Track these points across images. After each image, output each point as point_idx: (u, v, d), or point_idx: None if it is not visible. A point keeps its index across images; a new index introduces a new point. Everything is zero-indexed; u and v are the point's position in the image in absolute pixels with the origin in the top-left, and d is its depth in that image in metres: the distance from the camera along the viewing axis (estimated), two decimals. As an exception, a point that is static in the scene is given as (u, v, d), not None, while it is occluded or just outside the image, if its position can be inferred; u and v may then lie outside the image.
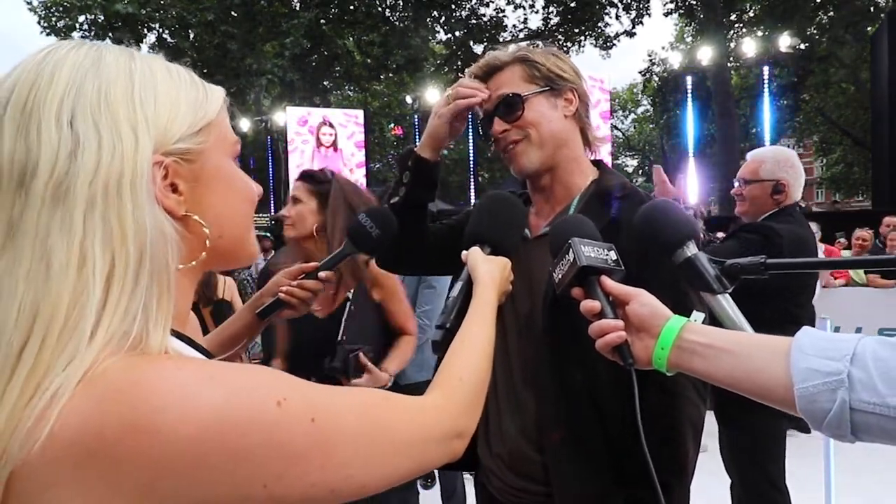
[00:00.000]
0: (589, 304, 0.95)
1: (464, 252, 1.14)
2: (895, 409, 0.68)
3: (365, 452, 0.65)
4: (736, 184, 2.78)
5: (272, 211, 16.18)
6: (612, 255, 0.99)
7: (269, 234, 10.38)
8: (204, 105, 0.68)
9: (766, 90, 14.43)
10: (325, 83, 21.83)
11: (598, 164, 1.40)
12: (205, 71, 19.33)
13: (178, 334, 0.67)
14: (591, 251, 0.96)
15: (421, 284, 3.34)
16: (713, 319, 1.00)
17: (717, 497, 2.94)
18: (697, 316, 0.91)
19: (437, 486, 3.47)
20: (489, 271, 1.07)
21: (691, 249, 0.97)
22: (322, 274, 1.24)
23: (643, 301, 0.92)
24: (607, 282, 0.96)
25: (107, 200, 0.58)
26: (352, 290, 2.17)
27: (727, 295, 0.96)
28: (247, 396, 0.57)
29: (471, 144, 16.33)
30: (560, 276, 0.99)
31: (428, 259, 1.49)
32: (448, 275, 1.28)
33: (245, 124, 17.93)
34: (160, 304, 0.60)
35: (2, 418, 0.52)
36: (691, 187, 13.60)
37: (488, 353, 0.92)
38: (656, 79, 24.42)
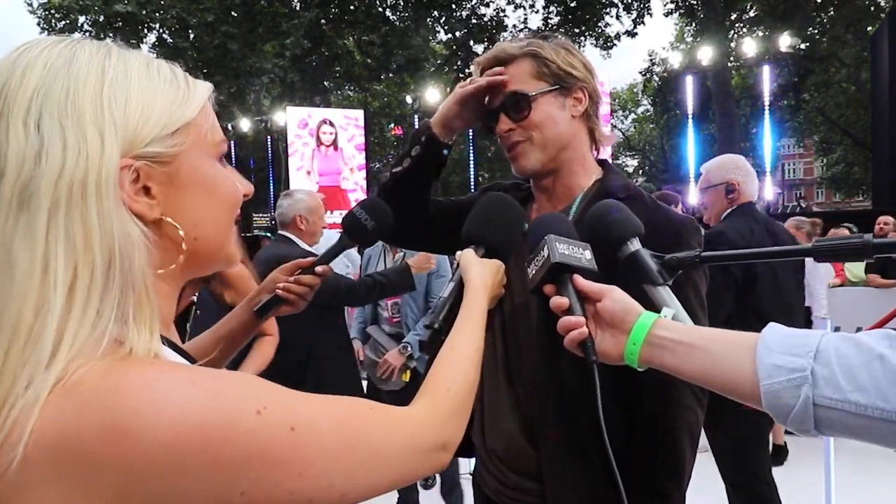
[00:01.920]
0: (558, 301, 0.96)
1: (458, 252, 1.13)
2: (856, 405, 0.70)
3: (346, 462, 0.64)
4: (700, 196, 3.02)
5: (272, 211, 16.19)
6: (587, 254, 1.00)
7: (269, 234, 10.41)
8: (182, 105, 0.66)
9: (766, 90, 14.42)
10: (325, 83, 21.82)
11: (603, 163, 1.38)
12: (205, 71, 19.33)
13: (162, 338, 0.66)
14: (566, 249, 0.98)
15: (432, 275, 3.34)
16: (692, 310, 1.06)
17: (717, 497, 2.94)
18: (668, 312, 0.92)
19: (438, 484, 3.47)
20: (481, 275, 1.05)
21: (635, 245, 1.02)
22: (319, 268, 1.23)
23: (615, 297, 0.93)
24: (579, 279, 0.96)
25: (70, 205, 0.56)
26: (196, 294, 2.09)
27: (667, 287, 1.00)
28: (226, 403, 0.57)
29: (471, 144, 16.33)
30: (534, 271, 1.00)
31: (427, 235, 1.47)
32: (445, 253, 1.27)
33: (245, 124, 17.92)
34: (139, 310, 0.59)
35: None
36: (691, 187, 13.59)
37: (477, 361, 0.91)
38: (656, 79, 24.40)
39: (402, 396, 3.45)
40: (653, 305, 0.97)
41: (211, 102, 0.71)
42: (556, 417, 1.22)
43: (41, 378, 0.53)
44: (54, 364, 0.54)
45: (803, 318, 3.06)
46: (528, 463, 1.27)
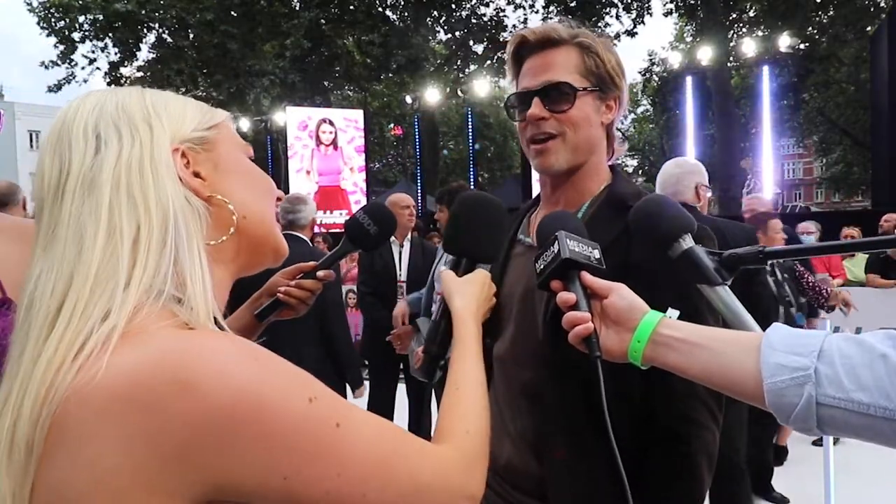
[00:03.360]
0: (565, 296, 0.95)
1: (439, 270, 1.10)
2: (859, 404, 0.71)
3: (381, 476, 0.65)
4: None
5: (272, 211, 16.13)
6: (596, 253, 1.00)
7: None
8: (209, 112, 0.78)
9: (766, 90, 14.42)
10: (325, 83, 21.81)
11: (611, 168, 1.32)
12: (205, 71, 19.34)
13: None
14: (576, 246, 0.97)
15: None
16: (701, 314, 1.01)
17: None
18: (673, 312, 0.92)
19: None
20: (465, 303, 1.01)
21: (688, 242, 0.98)
22: (321, 273, 1.23)
23: (622, 294, 0.93)
24: (586, 275, 0.96)
25: (129, 178, 0.66)
26: None
27: (726, 287, 0.96)
28: (283, 383, 0.61)
29: (471, 145, 16.33)
30: (542, 266, 1.00)
31: None
32: None
33: (245, 124, 17.90)
34: (193, 268, 0.66)
35: (41, 367, 0.57)
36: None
37: (483, 396, 0.90)
38: (656, 79, 24.38)
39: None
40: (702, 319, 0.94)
41: (230, 122, 0.81)
42: (565, 435, 1.17)
43: (113, 316, 0.59)
44: (125, 303, 0.60)
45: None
46: (529, 480, 1.23)
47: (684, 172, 2.97)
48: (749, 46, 14.65)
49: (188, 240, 0.67)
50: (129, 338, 0.58)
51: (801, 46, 17.90)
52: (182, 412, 0.55)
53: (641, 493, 0.88)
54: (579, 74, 1.20)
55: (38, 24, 19.28)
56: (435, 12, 20.75)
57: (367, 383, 4.30)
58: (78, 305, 0.60)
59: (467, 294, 1.04)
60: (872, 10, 17.78)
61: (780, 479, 4.04)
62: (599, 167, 1.29)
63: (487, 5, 21.18)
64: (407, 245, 4.38)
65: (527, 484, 1.24)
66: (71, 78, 19.75)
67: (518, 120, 1.25)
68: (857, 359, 0.73)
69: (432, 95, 16.08)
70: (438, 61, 22.64)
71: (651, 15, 20.24)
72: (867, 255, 6.32)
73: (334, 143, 15.09)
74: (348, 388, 3.52)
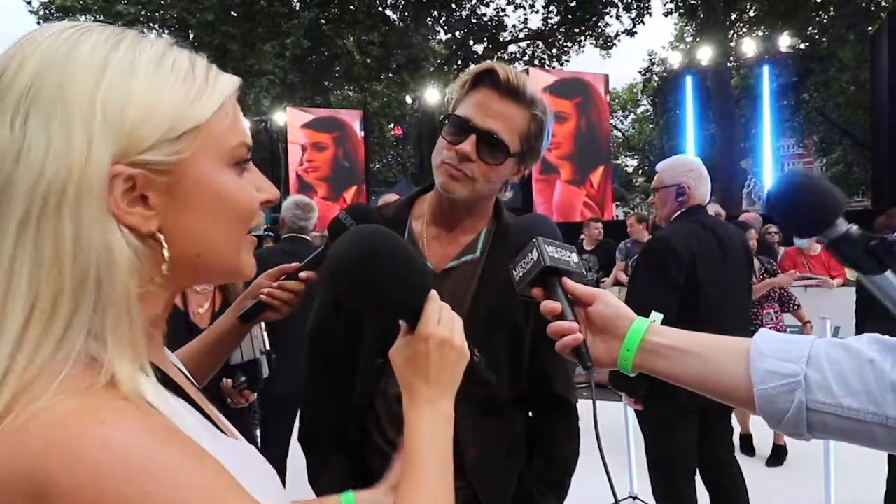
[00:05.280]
0: (550, 305, 0.93)
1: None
2: (849, 409, 0.73)
3: None
4: (652, 195, 3.07)
5: (271, 212, 16.19)
6: (574, 257, 0.98)
7: (271, 233, 10.51)
8: (194, 104, 0.57)
9: (766, 90, 14.41)
10: (325, 83, 21.82)
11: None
12: (205, 71, 19.31)
13: (155, 369, 0.58)
14: (556, 252, 0.95)
15: None
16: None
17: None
18: (656, 317, 0.91)
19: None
20: (411, 395, 0.76)
21: (844, 224, 0.87)
22: (303, 274, 1.21)
23: (608, 302, 0.92)
24: (569, 283, 0.94)
25: (43, 215, 0.50)
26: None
27: (886, 275, 0.87)
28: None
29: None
30: (521, 274, 0.97)
31: None
32: None
33: (245, 124, 17.87)
34: (117, 330, 0.52)
35: None
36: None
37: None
38: (656, 79, 24.39)
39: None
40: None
41: (232, 100, 0.63)
42: (472, 435, 1.29)
43: None
44: (5, 392, 0.48)
45: (749, 322, 2.94)
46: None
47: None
48: (749, 46, 14.65)
49: (114, 294, 0.52)
50: (12, 421, 0.47)
51: (801, 46, 17.90)
52: None
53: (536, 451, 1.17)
54: (519, 138, 1.27)
55: (38, 23, 19.32)
56: (435, 12, 20.75)
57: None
58: None
59: (411, 379, 0.77)
60: (873, 9, 17.77)
61: (780, 479, 4.04)
62: (491, 201, 1.41)
63: (487, 5, 21.20)
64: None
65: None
66: (71, 78, 19.79)
67: (447, 139, 1.27)
68: (846, 364, 0.74)
69: (432, 95, 16.07)
70: (438, 61, 22.62)
71: (651, 15, 20.28)
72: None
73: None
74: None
